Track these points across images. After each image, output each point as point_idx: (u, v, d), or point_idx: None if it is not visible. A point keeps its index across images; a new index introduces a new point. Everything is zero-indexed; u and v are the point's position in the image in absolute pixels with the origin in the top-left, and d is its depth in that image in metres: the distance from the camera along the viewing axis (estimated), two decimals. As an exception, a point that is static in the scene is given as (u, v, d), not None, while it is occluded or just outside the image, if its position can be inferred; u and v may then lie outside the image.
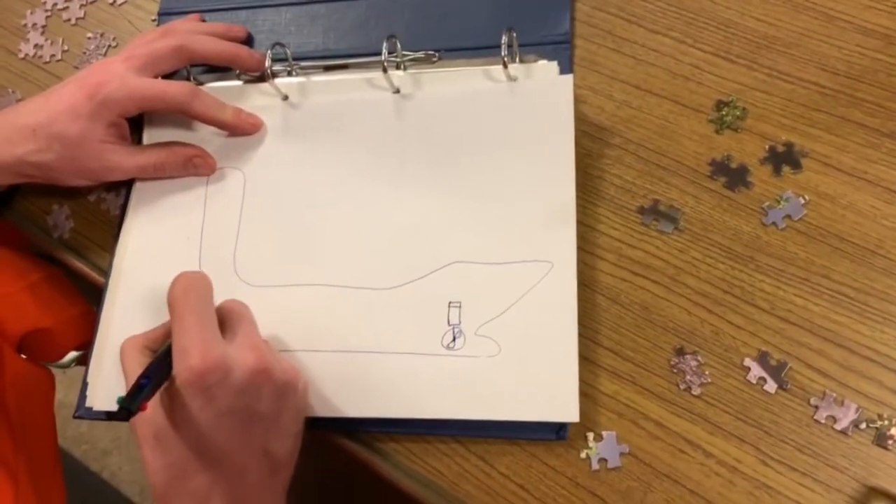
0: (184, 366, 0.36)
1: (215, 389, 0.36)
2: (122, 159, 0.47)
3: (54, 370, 0.63)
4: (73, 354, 0.70)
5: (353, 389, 0.42)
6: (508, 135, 0.45)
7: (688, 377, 0.41)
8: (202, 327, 0.37)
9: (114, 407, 0.42)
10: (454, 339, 0.42)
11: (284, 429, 0.40)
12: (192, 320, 0.37)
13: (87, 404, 0.45)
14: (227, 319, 0.40)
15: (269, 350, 0.40)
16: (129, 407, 0.34)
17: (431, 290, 0.43)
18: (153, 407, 0.37)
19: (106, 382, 0.44)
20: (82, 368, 0.47)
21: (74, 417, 0.46)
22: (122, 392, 0.37)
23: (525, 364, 0.41)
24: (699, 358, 0.41)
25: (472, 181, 0.45)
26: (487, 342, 0.42)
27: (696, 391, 0.41)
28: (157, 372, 0.37)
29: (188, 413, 0.36)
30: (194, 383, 0.35)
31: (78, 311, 0.65)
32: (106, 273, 0.48)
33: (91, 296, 0.65)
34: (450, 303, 0.43)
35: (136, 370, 0.38)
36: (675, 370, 0.41)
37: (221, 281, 0.45)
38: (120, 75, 0.46)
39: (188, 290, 0.39)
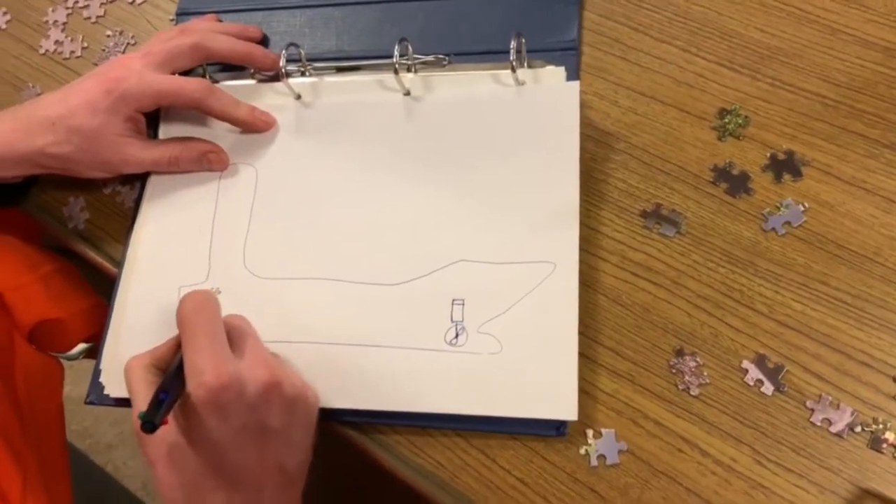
0: (198, 384, 0.36)
1: (230, 407, 0.36)
2: (139, 153, 0.48)
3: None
4: (81, 346, 0.70)
5: (356, 382, 0.43)
6: (515, 137, 0.46)
7: (686, 378, 0.41)
8: (214, 346, 0.38)
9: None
10: (457, 336, 0.43)
11: (296, 442, 0.40)
12: (204, 339, 0.38)
13: (105, 391, 0.45)
14: (231, 336, 0.40)
15: (278, 364, 0.40)
16: (152, 420, 0.35)
17: (436, 288, 0.44)
18: (166, 425, 0.37)
19: (120, 369, 0.45)
20: (88, 363, 0.47)
21: (86, 403, 0.46)
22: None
23: (526, 362, 0.41)
24: (698, 359, 0.42)
25: (478, 182, 0.46)
26: (489, 339, 0.42)
27: (695, 391, 0.41)
28: (171, 388, 0.37)
29: (203, 430, 0.37)
30: (210, 401, 0.36)
31: (88, 304, 0.66)
32: (119, 263, 0.49)
33: (101, 289, 0.66)
34: (453, 300, 0.43)
35: (143, 388, 0.38)
36: (674, 370, 0.42)
37: (230, 272, 0.46)
38: (138, 71, 0.47)
39: (198, 309, 0.39)
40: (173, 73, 0.49)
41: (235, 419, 0.37)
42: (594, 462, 0.41)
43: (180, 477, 0.38)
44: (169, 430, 0.38)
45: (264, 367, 0.38)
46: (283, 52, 0.49)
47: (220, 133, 0.50)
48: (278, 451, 0.39)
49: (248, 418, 0.37)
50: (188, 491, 0.38)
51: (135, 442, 1.09)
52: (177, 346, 0.40)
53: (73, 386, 0.65)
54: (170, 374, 0.38)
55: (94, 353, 0.68)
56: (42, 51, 0.59)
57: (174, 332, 0.42)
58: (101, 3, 0.59)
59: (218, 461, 0.38)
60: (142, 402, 0.37)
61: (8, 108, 0.49)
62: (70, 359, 0.71)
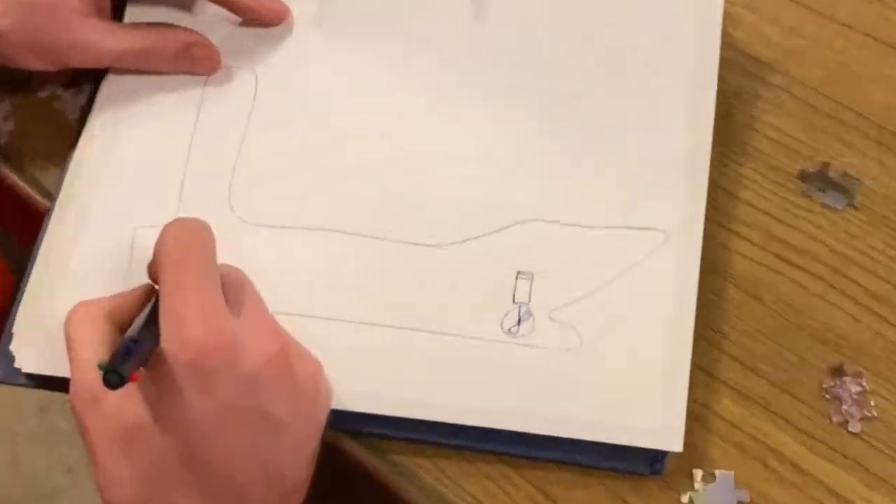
0: (178, 339, 0.39)
1: (218, 376, 0.39)
2: (98, 39, 0.54)
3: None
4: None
5: (369, 376, 0.48)
6: (627, 53, 0.52)
7: (845, 407, 0.46)
8: (205, 292, 0.41)
9: (53, 371, 0.48)
10: (519, 322, 0.48)
11: (300, 444, 0.44)
12: (192, 281, 0.41)
13: (14, 364, 0.50)
14: (226, 290, 0.43)
15: (287, 333, 0.45)
16: (118, 371, 0.37)
17: (495, 254, 0.49)
18: (120, 395, 0.40)
19: (39, 335, 0.50)
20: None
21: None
22: (61, 361, 0.43)
23: (614, 365, 0.46)
24: (864, 383, 0.46)
25: (566, 111, 0.52)
26: (565, 330, 0.47)
27: (855, 427, 0.46)
28: (141, 340, 0.40)
29: (176, 404, 0.40)
30: (192, 364, 0.39)
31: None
32: (53, 194, 0.55)
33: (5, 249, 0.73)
34: (518, 273, 0.49)
35: (92, 339, 0.42)
36: (827, 396, 0.46)
37: (209, 213, 0.51)
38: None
39: (186, 241, 0.43)
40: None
41: (223, 394, 0.40)
42: (701, 515, 0.46)
43: (135, 467, 0.41)
44: (125, 404, 0.41)
45: (269, 334, 0.43)
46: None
47: (210, 22, 0.57)
48: (275, 452, 0.43)
49: (241, 398, 0.40)
50: (144, 487, 0.41)
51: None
52: (145, 295, 0.45)
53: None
54: (140, 322, 0.41)
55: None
56: None
57: (121, 288, 0.48)
58: None
59: (190, 451, 0.41)
60: (87, 355, 0.41)
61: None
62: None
